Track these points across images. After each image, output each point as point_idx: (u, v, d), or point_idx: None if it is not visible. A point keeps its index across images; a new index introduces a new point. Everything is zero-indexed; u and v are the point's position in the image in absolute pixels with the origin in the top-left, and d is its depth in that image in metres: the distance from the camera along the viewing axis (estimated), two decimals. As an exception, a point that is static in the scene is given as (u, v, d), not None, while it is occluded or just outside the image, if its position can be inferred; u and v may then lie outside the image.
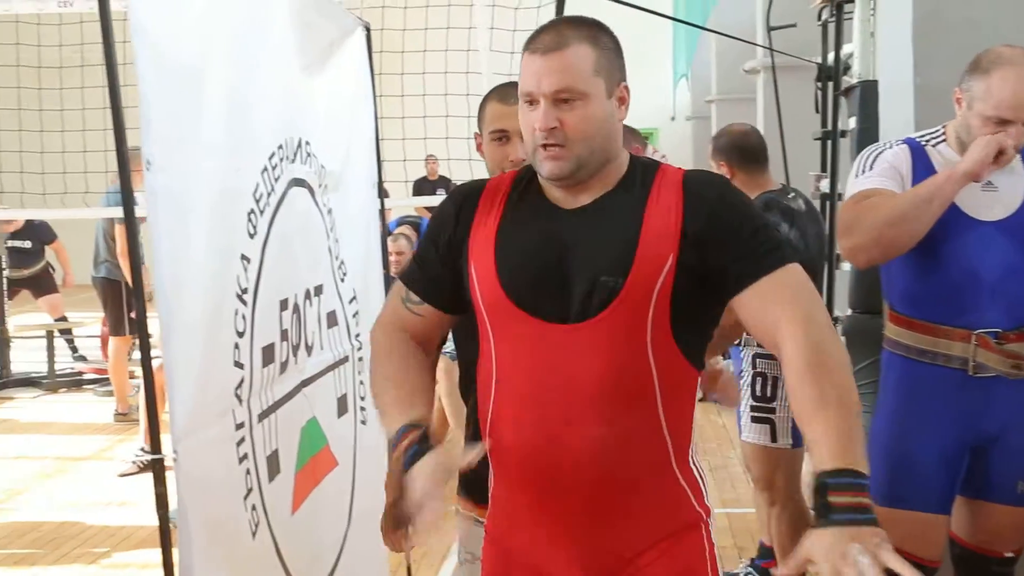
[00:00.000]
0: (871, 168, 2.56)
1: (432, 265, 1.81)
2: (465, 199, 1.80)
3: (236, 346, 2.19)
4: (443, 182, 12.03)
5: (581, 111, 1.65)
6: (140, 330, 1.97)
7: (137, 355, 7.07)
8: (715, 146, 3.55)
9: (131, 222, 1.94)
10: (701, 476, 1.78)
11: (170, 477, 1.92)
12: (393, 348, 1.81)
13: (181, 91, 1.99)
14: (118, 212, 5.84)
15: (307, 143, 2.69)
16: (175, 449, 1.90)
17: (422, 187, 12.39)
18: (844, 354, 1.59)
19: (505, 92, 2.15)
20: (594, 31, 1.69)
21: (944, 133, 2.59)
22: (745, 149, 3.49)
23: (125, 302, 6.58)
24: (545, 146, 1.65)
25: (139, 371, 7.02)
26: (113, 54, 1.84)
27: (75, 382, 8.38)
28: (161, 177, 1.88)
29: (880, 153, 2.58)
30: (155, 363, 1.98)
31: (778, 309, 1.60)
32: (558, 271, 1.66)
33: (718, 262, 1.63)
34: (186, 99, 2.01)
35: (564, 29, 1.68)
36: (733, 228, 1.64)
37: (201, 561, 1.96)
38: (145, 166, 1.85)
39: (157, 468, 1.94)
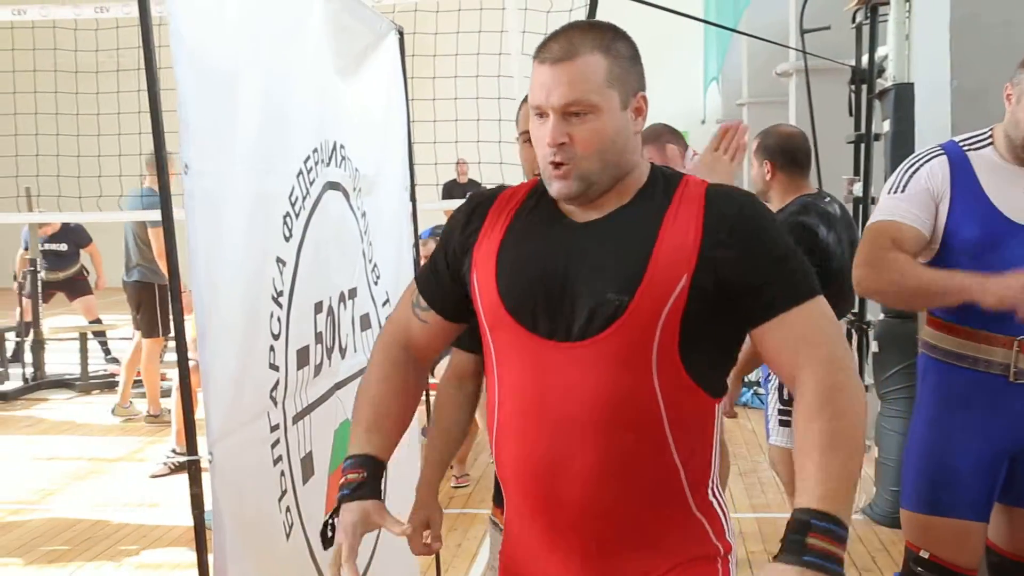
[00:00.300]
0: (903, 189, 2.51)
1: (442, 272, 1.76)
2: (476, 207, 1.73)
3: (271, 348, 2.20)
4: (473, 185, 12.05)
5: (592, 125, 1.56)
6: (176, 332, 1.98)
7: (168, 357, 7.17)
8: (761, 144, 3.53)
9: (169, 224, 1.95)
10: (723, 510, 1.66)
11: (205, 478, 1.93)
12: (384, 371, 1.80)
13: (218, 95, 2.01)
14: (152, 215, 5.90)
15: (342, 146, 2.70)
16: (210, 451, 1.91)
17: (452, 190, 12.43)
18: (860, 399, 1.52)
19: None
20: (607, 38, 1.58)
21: (991, 135, 2.54)
22: (790, 152, 3.47)
23: (158, 304, 6.64)
24: (555, 163, 1.57)
25: (170, 372, 7.04)
26: (153, 59, 1.85)
27: (108, 384, 8.45)
28: (198, 180, 1.90)
29: (916, 170, 2.52)
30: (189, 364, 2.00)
31: (803, 345, 1.52)
32: (561, 286, 1.57)
33: (742, 286, 1.53)
34: (223, 103, 2.03)
35: (575, 37, 1.57)
36: (759, 251, 1.54)
37: (235, 562, 1.97)
38: (183, 170, 1.87)
39: (193, 469, 1.95)
